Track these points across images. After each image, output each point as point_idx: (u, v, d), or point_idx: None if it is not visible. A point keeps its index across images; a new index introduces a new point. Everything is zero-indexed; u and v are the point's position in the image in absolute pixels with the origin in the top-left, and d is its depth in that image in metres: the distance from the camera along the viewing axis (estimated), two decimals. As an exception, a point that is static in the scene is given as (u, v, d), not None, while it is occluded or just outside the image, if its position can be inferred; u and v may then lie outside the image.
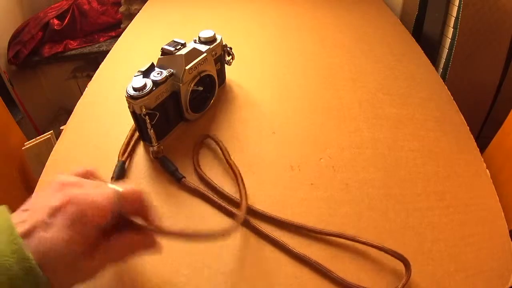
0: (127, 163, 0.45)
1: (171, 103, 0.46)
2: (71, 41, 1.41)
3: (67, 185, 0.28)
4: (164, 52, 0.45)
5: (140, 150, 0.47)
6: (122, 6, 1.30)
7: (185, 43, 0.46)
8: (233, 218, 0.39)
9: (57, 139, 0.50)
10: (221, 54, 0.53)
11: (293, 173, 0.44)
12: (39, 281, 0.23)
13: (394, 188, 0.42)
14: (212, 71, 0.49)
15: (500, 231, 0.38)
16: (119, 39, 0.72)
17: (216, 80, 0.51)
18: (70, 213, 0.26)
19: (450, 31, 0.68)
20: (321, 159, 0.46)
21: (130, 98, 0.41)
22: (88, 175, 0.31)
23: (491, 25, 0.66)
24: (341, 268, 0.34)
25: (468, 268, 0.35)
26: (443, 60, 0.72)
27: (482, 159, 0.46)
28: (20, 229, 0.24)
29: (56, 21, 1.37)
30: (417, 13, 0.79)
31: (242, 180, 0.41)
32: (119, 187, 0.29)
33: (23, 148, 0.75)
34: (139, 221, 0.30)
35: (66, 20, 1.37)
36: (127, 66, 0.64)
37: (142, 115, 0.42)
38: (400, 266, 0.35)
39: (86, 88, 0.58)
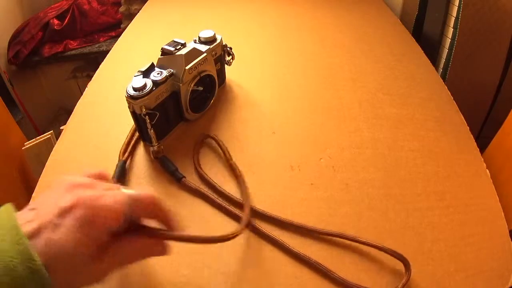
0: (128, 163, 0.45)
1: (171, 103, 0.46)
2: (71, 41, 1.41)
3: (78, 186, 0.27)
4: (164, 52, 0.45)
5: (140, 150, 0.47)
6: (122, 6, 1.30)
7: (185, 43, 0.46)
8: (235, 219, 0.39)
9: (57, 139, 0.50)
10: (221, 54, 0.53)
11: (293, 173, 0.44)
12: (44, 282, 0.23)
13: (394, 188, 0.42)
14: (212, 71, 0.49)
15: (500, 231, 0.38)
16: (119, 39, 0.72)
17: (216, 80, 0.51)
18: (79, 215, 0.25)
19: (450, 31, 0.68)
20: (321, 159, 0.46)
21: (130, 98, 0.41)
22: (100, 177, 0.30)
23: (491, 25, 0.66)
24: (341, 268, 0.34)
25: (468, 268, 0.35)
26: (443, 60, 0.72)
27: (482, 159, 0.46)
28: (27, 228, 0.24)
29: (56, 21, 1.37)
30: (417, 13, 0.79)
31: (244, 183, 0.42)
32: (132, 190, 0.28)
33: (23, 148, 0.75)
34: (151, 225, 0.29)
35: (66, 20, 1.37)
36: (127, 66, 0.64)
37: (142, 115, 0.42)
38: (400, 266, 0.35)
39: (86, 88, 0.58)
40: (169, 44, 0.46)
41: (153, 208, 0.29)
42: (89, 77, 0.71)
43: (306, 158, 0.46)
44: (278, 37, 0.72)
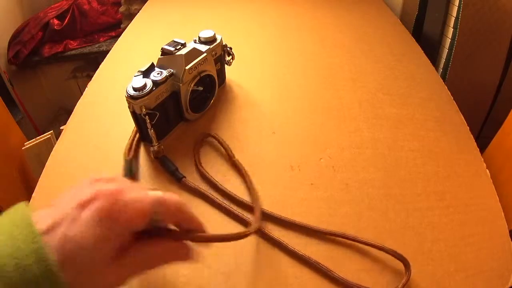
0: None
1: (171, 103, 0.46)
2: (71, 41, 1.41)
3: (99, 180, 0.25)
4: (164, 52, 0.45)
5: (141, 150, 0.47)
6: (122, 6, 1.30)
7: (185, 43, 0.46)
8: (235, 219, 0.39)
9: (57, 139, 0.50)
10: (221, 54, 0.53)
11: (293, 173, 0.44)
12: (58, 284, 0.21)
13: (394, 188, 0.42)
14: (212, 71, 0.49)
15: (500, 231, 0.38)
16: (119, 39, 0.72)
17: (216, 80, 0.51)
18: (99, 207, 0.23)
19: (450, 31, 0.68)
20: (321, 159, 0.46)
21: (130, 98, 0.41)
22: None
23: (491, 25, 0.66)
24: (341, 268, 0.34)
25: (468, 268, 0.35)
26: (443, 60, 0.72)
27: (482, 159, 0.46)
28: (42, 225, 0.22)
29: (56, 21, 1.37)
30: (417, 13, 0.79)
31: (249, 177, 0.42)
32: (159, 192, 0.26)
33: (23, 148, 0.75)
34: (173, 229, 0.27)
35: (66, 20, 1.37)
36: (127, 66, 0.64)
37: (142, 115, 0.42)
38: (400, 265, 0.35)
39: (86, 88, 0.58)
40: (169, 44, 0.46)
41: (179, 213, 0.27)
42: (89, 77, 0.71)
43: (306, 158, 0.46)
44: (278, 37, 0.72)
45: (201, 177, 0.43)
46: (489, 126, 0.76)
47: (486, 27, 0.66)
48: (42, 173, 0.44)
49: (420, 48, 0.68)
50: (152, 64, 0.45)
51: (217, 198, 0.40)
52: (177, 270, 0.34)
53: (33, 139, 0.77)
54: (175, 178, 0.42)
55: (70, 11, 1.38)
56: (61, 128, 0.55)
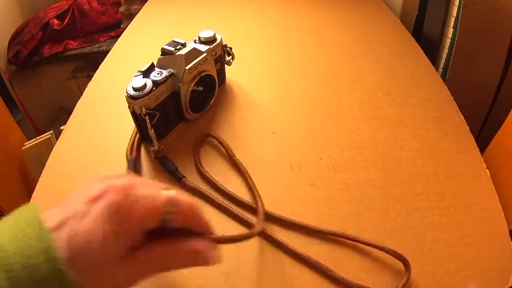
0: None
1: (171, 103, 0.46)
2: (71, 41, 1.41)
3: (110, 177, 0.24)
4: (164, 52, 0.45)
5: (141, 149, 0.47)
6: (122, 6, 1.30)
7: (185, 43, 0.46)
8: (235, 219, 0.39)
9: (57, 139, 0.50)
10: (221, 54, 0.53)
11: (293, 173, 0.44)
12: (68, 283, 0.20)
13: (394, 188, 0.42)
14: (212, 71, 0.49)
15: (500, 231, 0.38)
16: (119, 39, 0.72)
17: (216, 80, 0.51)
18: (110, 202, 0.22)
19: (450, 31, 0.68)
20: (321, 159, 0.46)
21: (130, 98, 0.41)
22: None
23: (491, 25, 0.66)
24: (341, 268, 0.34)
25: (468, 268, 0.35)
26: (443, 60, 0.72)
27: (482, 159, 0.46)
28: (50, 224, 0.21)
29: (56, 21, 1.37)
30: (417, 13, 0.79)
31: (250, 177, 0.42)
32: (173, 191, 0.25)
33: (23, 148, 0.75)
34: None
35: (66, 20, 1.37)
36: (127, 66, 0.64)
37: (142, 115, 0.42)
38: (400, 265, 0.35)
39: (86, 88, 0.58)
40: (169, 44, 0.46)
41: (191, 214, 0.25)
42: (89, 77, 0.71)
43: (306, 158, 0.46)
44: (278, 37, 0.72)
45: (201, 177, 0.43)
46: (489, 126, 0.76)
47: (486, 27, 0.66)
48: (42, 173, 0.44)
49: (420, 48, 0.68)
50: (152, 64, 0.45)
51: (217, 198, 0.40)
52: (177, 270, 0.34)
53: (33, 139, 0.77)
54: (175, 178, 0.42)
55: (70, 11, 1.38)
56: (61, 128, 0.55)
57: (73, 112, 0.53)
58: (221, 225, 0.38)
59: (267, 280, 0.34)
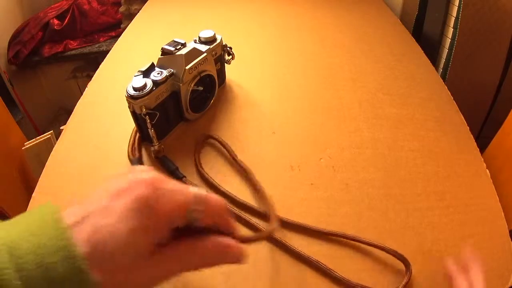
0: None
1: (171, 103, 0.46)
2: (71, 41, 1.41)
3: (135, 171, 0.23)
4: (164, 52, 0.45)
5: (141, 149, 0.47)
6: (122, 6, 1.30)
7: (185, 43, 0.46)
8: (235, 219, 0.39)
9: (57, 139, 0.50)
10: (221, 54, 0.53)
11: (293, 173, 0.44)
12: (86, 284, 0.19)
13: (394, 188, 0.42)
14: (212, 71, 0.49)
15: (500, 231, 0.38)
16: (119, 39, 0.72)
17: (216, 80, 0.51)
18: (136, 196, 0.20)
19: (450, 31, 0.68)
20: (321, 159, 0.46)
21: (130, 98, 0.41)
22: None
23: (491, 25, 0.66)
24: (342, 268, 0.34)
25: (468, 268, 0.35)
26: (443, 60, 0.72)
27: (482, 159, 0.46)
28: (70, 220, 0.20)
29: (56, 21, 1.37)
30: (417, 13, 0.79)
31: (255, 177, 0.41)
32: (202, 189, 0.24)
33: (23, 148, 0.75)
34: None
35: (66, 20, 1.37)
36: (127, 66, 0.64)
37: (142, 115, 0.42)
38: (401, 265, 0.35)
39: (86, 88, 0.58)
40: (169, 44, 0.46)
41: (219, 214, 0.24)
42: (89, 77, 0.71)
43: (306, 158, 0.46)
44: (278, 37, 0.72)
45: (201, 177, 0.43)
46: (489, 126, 0.76)
47: (486, 27, 0.66)
48: (42, 173, 0.44)
49: (420, 48, 0.68)
50: (152, 64, 0.45)
51: (217, 198, 0.40)
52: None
53: (33, 139, 0.77)
54: (175, 177, 0.42)
55: (70, 11, 1.38)
56: (61, 128, 0.55)
57: (73, 112, 0.53)
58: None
59: (268, 280, 0.34)
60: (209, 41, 0.50)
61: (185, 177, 0.42)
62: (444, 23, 0.70)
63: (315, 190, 0.42)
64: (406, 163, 0.45)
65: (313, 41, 0.70)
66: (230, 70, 0.57)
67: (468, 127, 0.51)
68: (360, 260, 0.35)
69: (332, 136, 0.49)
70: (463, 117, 0.52)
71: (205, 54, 0.47)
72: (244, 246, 0.25)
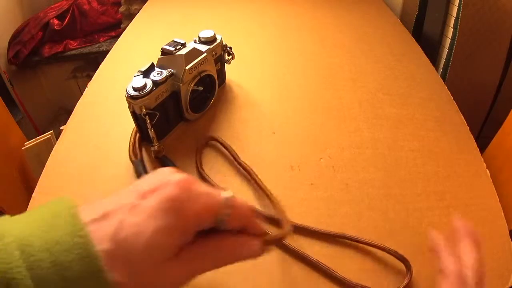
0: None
1: (171, 103, 0.46)
2: (71, 41, 1.41)
3: (163, 172, 0.22)
4: (164, 52, 0.45)
5: (142, 150, 0.47)
6: (122, 6, 1.30)
7: (185, 43, 0.46)
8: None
9: (57, 139, 0.50)
10: (221, 54, 0.53)
11: (293, 173, 0.44)
12: (103, 284, 0.18)
13: (394, 188, 0.42)
14: (212, 71, 0.49)
15: (500, 231, 0.38)
16: (119, 39, 0.72)
17: (216, 80, 0.51)
18: (166, 196, 0.20)
19: (450, 31, 0.68)
20: (321, 159, 0.46)
21: (130, 98, 0.41)
22: None
23: (491, 25, 0.66)
24: (342, 268, 0.34)
25: (468, 268, 0.35)
26: (443, 60, 0.72)
27: (482, 159, 0.46)
28: (92, 215, 0.19)
29: (56, 21, 1.37)
30: (417, 13, 0.79)
31: (258, 177, 0.41)
32: (231, 193, 0.23)
33: (23, 148, 0.75)
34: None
35: (66, 20, 1.37)
36: (127, 66, 0.64)
37: (142, 115, 0.42)
38: (401, 265, 0.35)
39: (86, 88, 0.58)
40: (169, 44, 0.46)
41: (247, 218, 0.24)
42: (89, 77, 0.71)
43: (306, 158, 0.46)
44: (278, 37, 0.72)
45: (201, 177, 0.43)
46: (489, 126, 0.76)
47: (486, 27, 0.66)
48: (42, 173, 0.44)
49: (420, 48, 0.68)
50: (152, 64, 0.45)
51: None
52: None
53: (33, 139, 0.77)
54: (175, 178, 0.42)
55: (70, 11, 1.38)
56: (61, 128, 0.55)
57: (73, 112, 0.53)
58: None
59: (268, 280, 0.34)
60: (209, 41, 0.50)
61: (185, 177, 0.42)
62: (444, 23, 0.70)
63: (315, 190, 0.42)
64: (406, 163, 0.45)
65: (313, 41, 0.70)
66: (230, 70, 0.57)
67: (468, 127, 0.51)
68: (360, 260, 0.35)
69: (332, 136, 0.49)
70: (463, 117, 0.52)
71: (205, 54, 0.47)
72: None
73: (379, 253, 0.36)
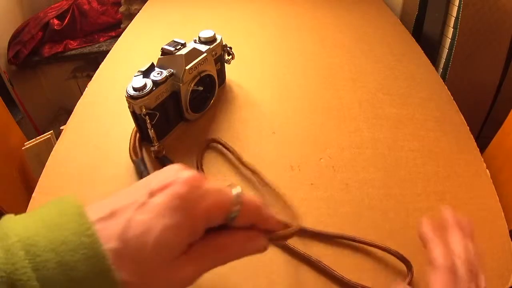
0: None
1: (171, 103, 0.46)
2: (71, 41, 1.41)
3: (172, 170, 0.22)
4: (164, 52, 0.45)
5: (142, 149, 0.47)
6: (122, 6, 1.30)
7: (185, 43, 0.46)
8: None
9: (57, 139, 0.50)
10: (221, 54, 0.53)
11: (293, 173, 0.44)
12: (110, 284, 0.18)
13: (394, 188, 0.42)
14: (212, 71, 0.49)
15: (500, 231, 0.38)
16: (119, 39, 0.72)
17: (216, 80, 0.51)
18: (175, 193, 0.19)
19: (450, 31, 0.68)
20: (321, 159, 0.46)
21: (130, 98, 0.41)
22: None
23: (491, 25, 0.66)
24: (343, 268, 0.34)
25: (468, 268, 0.35)
26: (443, 60, 0.72)
27: (482, 159, 0.46)
28: (99, 213, 0.19)
29: (56, 21, 1.37)
30: (417, 13, 0.79)
31: (262, 177, 0.41)
32: (240, 189, 0.23)
33: (23, 148, 0.75)
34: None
35: (66, 20, 1.37)
36: (127, 66, 0.64)
37: (142, 115, 0.42)
38: (402, 265, 0.35)
39: (86, 88, 0.58)
40: (169, 44, 0.46)
41: (258, 215, 0.23)
42: (89, 77, 0.71)
43: (306, 158, 0.46)
44: (278, 37, 0.72)
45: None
46: (489, 126, 0.76)
47: (486, 27, 0.66)
48: (42, 173, 0.44)
49: (420, 48, 0.68)
50: (152, 64, 0.45)
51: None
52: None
53: (33, 139, 0.77)
54: (175, 178, 0.42)
55: (70, 11, 1.38)
56: (61, 128, 0.55)
57: (73, 112, 0.53)
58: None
59: (268, 279, 0.34)
60: (209, 41, 0.50)
61: (185, 177, 0.42)
62: (444, 23, 0.70)
63: (315, 190, 0.42)
64: (406, 163, 0.45)
65: (313, 41, 0.70)
66: (230, 70, 0.57)
67: (468, 127, 0.51)
68: (360, 260, 0.35)
69: (332, 136, 0.49)
70: (463, 117, 0.52)
71: (205, 54, 0.47)
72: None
73: (379, 253, 0.36)
